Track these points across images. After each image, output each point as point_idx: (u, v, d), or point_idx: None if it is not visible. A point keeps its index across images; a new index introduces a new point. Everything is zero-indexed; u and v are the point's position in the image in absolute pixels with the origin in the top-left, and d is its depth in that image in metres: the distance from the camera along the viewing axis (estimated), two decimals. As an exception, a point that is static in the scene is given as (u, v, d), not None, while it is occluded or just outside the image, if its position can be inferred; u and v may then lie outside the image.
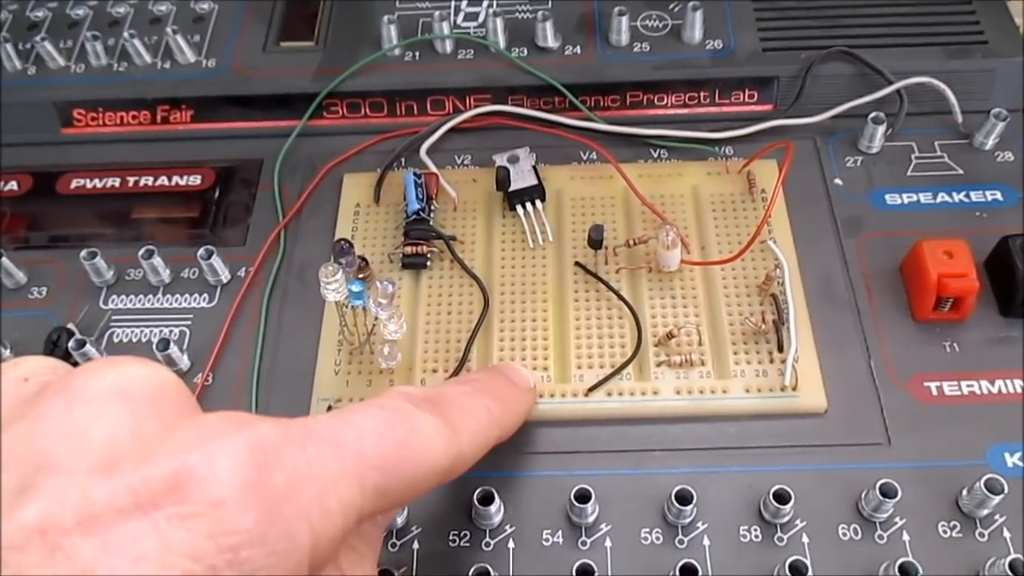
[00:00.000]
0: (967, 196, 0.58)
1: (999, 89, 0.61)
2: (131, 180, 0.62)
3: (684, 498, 0.45)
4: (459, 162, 0.62)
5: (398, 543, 0.47)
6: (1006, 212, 0.57)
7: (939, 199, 0.58)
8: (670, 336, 0.52)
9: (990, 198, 0.58)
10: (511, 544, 0.47)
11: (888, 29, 0.63)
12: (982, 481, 0.44)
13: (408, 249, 0.56)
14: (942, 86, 0.60)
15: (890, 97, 0.60)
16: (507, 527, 0.47)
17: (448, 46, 0.65)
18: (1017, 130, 0.60)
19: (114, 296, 0.57)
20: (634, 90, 0.63)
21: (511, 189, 0.58)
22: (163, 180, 0.62)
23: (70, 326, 0.54)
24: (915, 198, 0.58)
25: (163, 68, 0.65)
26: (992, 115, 0.59)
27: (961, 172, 0.59)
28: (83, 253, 0.55)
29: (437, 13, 0.64)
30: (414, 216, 0.57)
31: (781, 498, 0.45)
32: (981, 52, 0.62)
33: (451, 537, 0.47)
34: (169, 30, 0.65)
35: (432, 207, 0.58)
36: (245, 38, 0.67)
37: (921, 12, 0.64)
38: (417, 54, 0.65)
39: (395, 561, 0.46)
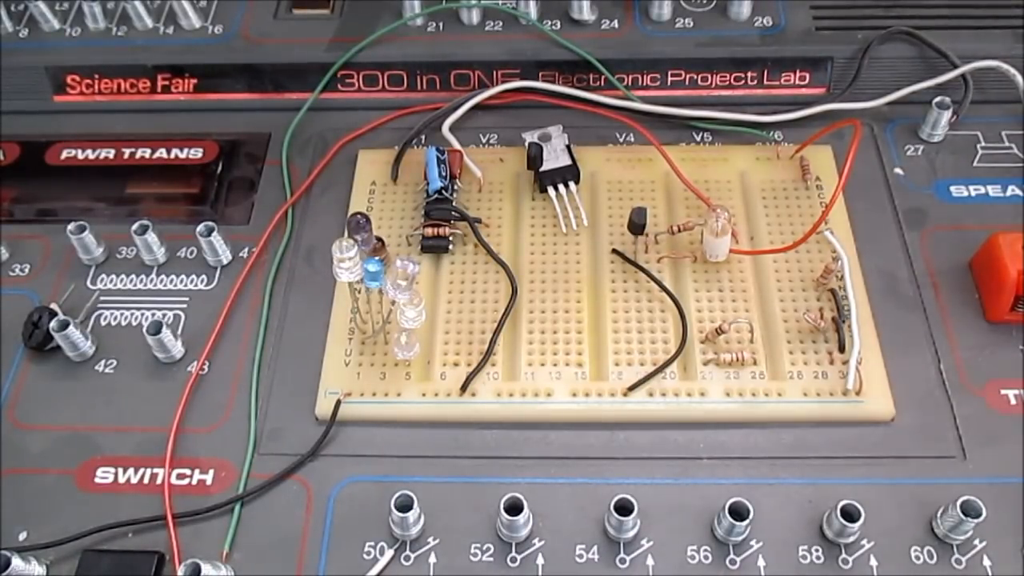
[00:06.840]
0: (1040, 190, 0.53)
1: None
2: (126, 152, 0.57)
3: (739, 512, 0.40)
4: (484, 141, 0.57)
5: (412, 556, 0.42)
6: (1083, 208, 0.52)
7: (1009, 192, 0.53)
8: (719, 332, 0.47)
9: (1065, 193, 0.53)
10: (540, 560, 0.41)
11: (952, 10, 0.58)
12: (1078, 501, 0.39)
13: (428, 231, 0.51)
14: (1013, 71, 0.55)
15: (953, 83, 0.56)
16: (536, 540, 0.42)
17: (475, 16, 0.60)
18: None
19: (103, 275, 0.52)
20: (675, 68, 0.58)
21: (543, 169, 0.53)
22: (161, 153, 0.57)
23: (53, 306, 0.49)
24: (983, 190, 0.53)
25: (165, 33, 0.61)
26: (1069, 102, 0.54)
27: (1032, 164, 0.54)
28: (71, 227, 0.50)
29: (463, -19, 0.60)
30: (436, 195, 0.52)
31: (849, 515, 0.40)
32: (1053, 36, 0.57)
33: (472, 551, 0.42)
34: (173, -7, 0.60)
35: (455, 187, 0.53)
36: (256, 4, 0.62)
37: (988, -9, 0.60)
38: (441, 24, 0.60)
39: (409, 576, 0.41)
